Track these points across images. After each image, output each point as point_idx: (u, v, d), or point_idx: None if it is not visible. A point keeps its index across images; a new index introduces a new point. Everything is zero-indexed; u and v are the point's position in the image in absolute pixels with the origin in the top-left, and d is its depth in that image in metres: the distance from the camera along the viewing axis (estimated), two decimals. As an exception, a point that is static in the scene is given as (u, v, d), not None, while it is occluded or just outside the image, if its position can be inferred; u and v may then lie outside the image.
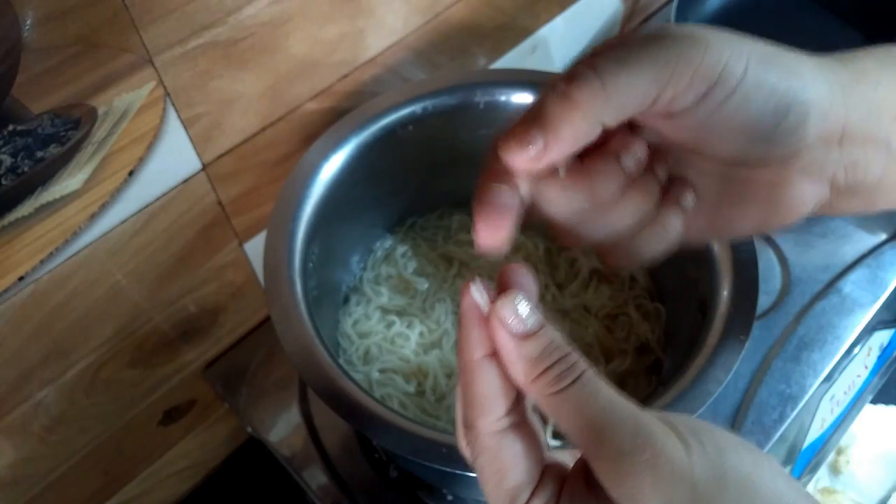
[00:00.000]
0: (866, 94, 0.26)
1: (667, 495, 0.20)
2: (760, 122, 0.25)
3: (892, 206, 0.29)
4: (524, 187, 0.26)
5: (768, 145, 0.25)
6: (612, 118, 0.24)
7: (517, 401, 0.24)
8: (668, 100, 0.24)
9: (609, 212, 0.28)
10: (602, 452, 0.21)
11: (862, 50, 0.27)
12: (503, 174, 0.26)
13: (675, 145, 0.27)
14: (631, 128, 0.27)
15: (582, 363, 0.23)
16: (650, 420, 0.21)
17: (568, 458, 0.26)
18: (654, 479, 0.20)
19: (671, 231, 0.29)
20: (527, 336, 0.23)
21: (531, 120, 0.23)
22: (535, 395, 0.23)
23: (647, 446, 0.21)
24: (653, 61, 0.23)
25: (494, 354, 0.24)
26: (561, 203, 0.27)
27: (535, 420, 0.25)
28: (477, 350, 0.24)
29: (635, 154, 0.27)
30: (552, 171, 0.26)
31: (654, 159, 0.28)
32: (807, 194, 0.27)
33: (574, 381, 0.22)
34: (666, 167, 0.28)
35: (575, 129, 0.23)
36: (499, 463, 0.23)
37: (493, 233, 0.26)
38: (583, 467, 0.23)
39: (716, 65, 0.23)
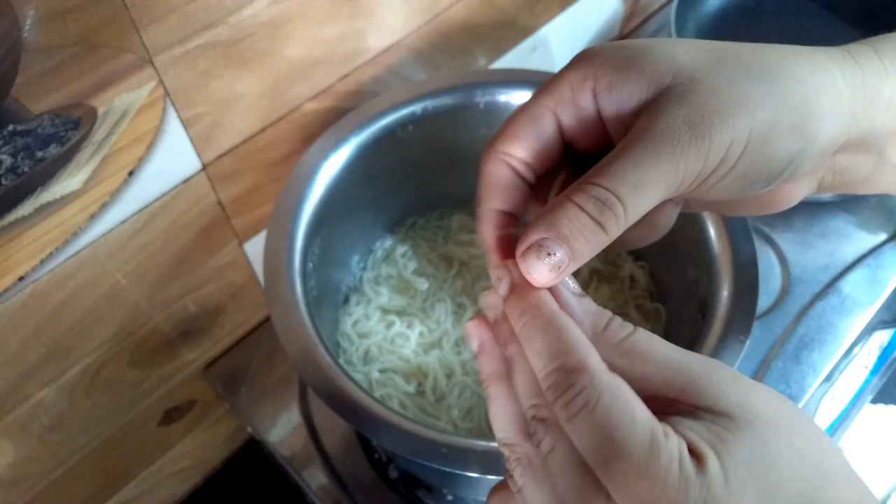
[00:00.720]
0: (876, 115, 0.26)
1: (775, 399, 0.22)
2: (755, 184, 0.25)
3: (877, 192, 0.29)
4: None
5: (762, 189, 0.26)
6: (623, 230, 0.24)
7: None
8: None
9: None
10: (693, 375, 0.22)
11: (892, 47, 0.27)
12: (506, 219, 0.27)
13: None
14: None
15: None
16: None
17: None
18: (757, 386, 0.22)
19: (663, 223, 0.29)
20: (582, 295, 0.24)
21: (555, 238, 0.23)
22: (604, 346, 0.23)
23: (724, 366, 0.22)
24: (664, 181, 0.23)
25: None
26: None
27: None
28: (553, 303, 0.24)
29: None
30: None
31: None
32: (795, 194, 0.28)
33: (635, 328, 0.23)
34: None
35: (598, 249, 0.24)
36: (626, 396, 0.21)
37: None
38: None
39: (718, 157, 0.24)
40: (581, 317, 0.24)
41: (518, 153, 0.26)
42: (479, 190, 0.27)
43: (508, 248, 0.26)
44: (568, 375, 0.22)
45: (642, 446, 0.20)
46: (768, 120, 0.24)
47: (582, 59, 0.26)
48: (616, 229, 0.23)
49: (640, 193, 0.23)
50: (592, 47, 0.26)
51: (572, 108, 0.26)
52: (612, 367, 0.22)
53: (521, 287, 0.24)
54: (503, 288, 0.25)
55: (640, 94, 0.25)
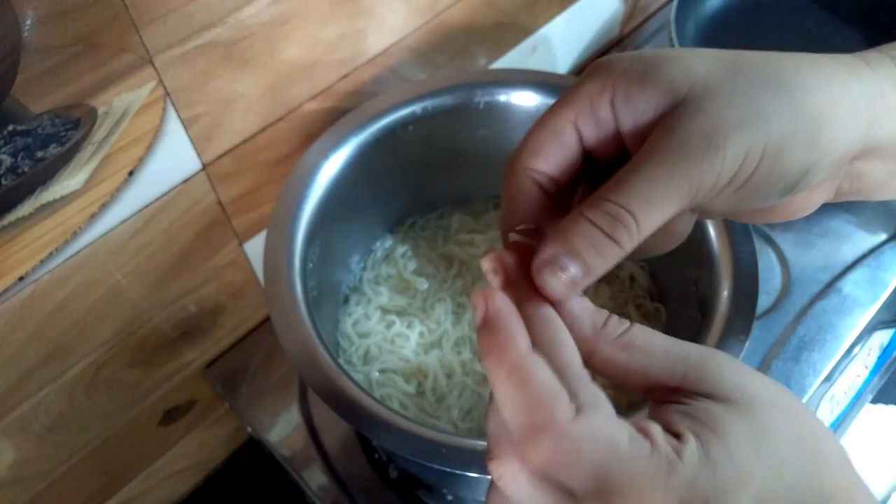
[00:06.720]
0: (893, 124, 0.26)
1: (771, 384, 0.22)
2: (770, 195, 0.25)
3: (890, 198, 0.29)
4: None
5: (777, 200, 0.26)
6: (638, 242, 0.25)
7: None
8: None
9: None
10: (692, 363, 0.23)
11: None
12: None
13: None
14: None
15: None
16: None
17: None
18: (754, 372, 0.23)
19: (680, 231, 0.29)
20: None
21: (568, 253, 0.23)
22: (604, 342, 0.24)
23: (720, 353, 0.23)
24: (678, 195, 0.24)
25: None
26: None
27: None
28: (522, 343, 0.22)
29: None
30: None
31: None
32: (812, 201, 0.28)
33: (632, 324, 0.24)
34: None
35: (613, 263, 0.24)
36: (599, 439, 0.21)
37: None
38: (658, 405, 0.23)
39: (732, 169, 0.24)
40: (581, 314, 0.24)
41: (542, 167, 0.26)
42: (503, 205, 0.27)
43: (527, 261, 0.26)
44: (534, 434, 0.20)
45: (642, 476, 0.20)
46: (784, 132, 0.24)
47: (599, 70, 0.26)
48: (630, 243, 0.24)
49: (652, 207, 0.23)
50: (609, 57, 0.26)
51: (592, 120, 0.26)
52: (614, 362, 0.23)
53: (492, 318, 0.23)
54: (496, 282, 0.25)
55: (656, 105, 0.25)
